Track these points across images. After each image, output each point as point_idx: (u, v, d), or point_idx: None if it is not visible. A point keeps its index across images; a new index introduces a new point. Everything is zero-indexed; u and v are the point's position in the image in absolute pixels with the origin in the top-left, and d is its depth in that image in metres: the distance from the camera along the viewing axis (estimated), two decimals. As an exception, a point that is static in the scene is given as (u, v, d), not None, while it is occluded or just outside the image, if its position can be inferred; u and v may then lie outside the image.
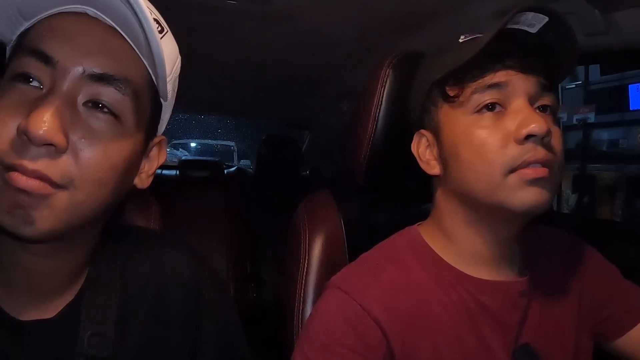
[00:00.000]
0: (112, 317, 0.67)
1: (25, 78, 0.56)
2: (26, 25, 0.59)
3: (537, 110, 0.72)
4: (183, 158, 2.97)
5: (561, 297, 0.82)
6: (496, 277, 0.77)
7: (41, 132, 0.52)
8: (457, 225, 0.78)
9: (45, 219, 0.55)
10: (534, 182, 0.68)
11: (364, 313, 0.71)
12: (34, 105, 0.54)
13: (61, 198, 0.55)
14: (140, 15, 0.54)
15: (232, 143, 10.83)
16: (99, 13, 0.58)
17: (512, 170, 0.69)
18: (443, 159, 0.77)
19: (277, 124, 3.59)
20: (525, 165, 0.69)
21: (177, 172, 2.74)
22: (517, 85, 0.71)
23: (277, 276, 2.45)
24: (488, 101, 0.71)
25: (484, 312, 0.74)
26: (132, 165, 0.63)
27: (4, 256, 0.62)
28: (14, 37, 0.60)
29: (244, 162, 8.46)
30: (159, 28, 0.62)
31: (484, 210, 0.74)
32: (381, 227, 0.88)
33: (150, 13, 0.55)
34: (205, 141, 11.44)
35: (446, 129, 0.76)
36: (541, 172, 0.68)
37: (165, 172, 2.81)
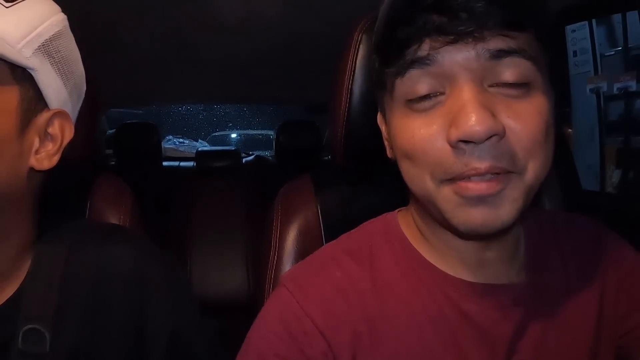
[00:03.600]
0: (51, 315, 0.66)
1: None
2: None
3: (496, 87, 0.52)
4: (200, 149, 2.93)
5: (575, 303, 0.63)
6: (484, 279, 0.61)
7: None
8: (424, 224, 0.64)
9: None
10: (477, 200, 0.51)
11: (307, 319, 0.60)
12: None
13: None
14: None
15: (271, 132, 10.83)
16: None
17: (448, 181, 0.53)
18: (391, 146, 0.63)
19: (306, 107, 3.50)
20: (463, 177, 0.52)
21: (195, 164, 2.70)
22: (450, 60, 0.51)
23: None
24: (417, 86, 0.53)
25: (466, 322, 0.60)
26: (1, 145, 0.59)
27: None
28: None
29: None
30: None
31: (436, 218, 0.59)
32: (363, 216, 0.76)
33: None
34: (246, 131, 11.50)
35: (387, 116, 0.61)
36: (486, 187, 0.51)
37: (183, 164, 2.79)
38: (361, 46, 0.84)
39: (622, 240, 0.70)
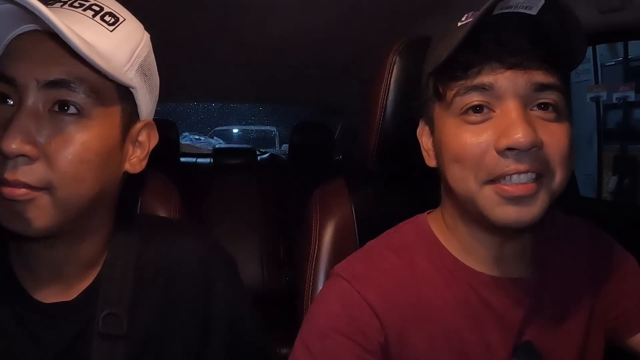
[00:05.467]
0: (127, 300, 0.73)
1: (2, 99, 0.63)
2: None
3: (535, 110, 0.65)
4: (217, 146, 3.03)
5: (573, 294, 0.78)
6: (501, 273, 0.74)
7: (13, 147, 0.58)
8: (456, 222, 0.76)
9: (37, 219, 0.62)
10: (514, 200, 0.64)
11: (363, 302, 0.72)
12: (8, 123, 0.60)
13: (44, 199, 0.62)
14: (55, 29, 0.57)
15: (273, 128, 10.87)
16: (46, 29, 0.62)
17: (489, 182, 0.66)
18: (436, 153, 0.75)
19: (316, 108, 3.60)
20: (504, 177, 0.64)
21: (212, 160, 2.80)
22: (505, 87, 0.64)
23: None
24: (473, 103, 0.66)
25: (486, 308, 0.73)
26: (110, 155, 0.67)
27: (26, 251, 0.70)
28: None
29: (285, 147, 8.49)
30: (112, 21, 0.67)
31: (471, 215, 0.72)
32: (393, 215, 0.88)
33: (84, 11, 0.64)
34: (247, 127, 11.50)
35: (437, 126, 0.73)
36: (523, 189, 0.64)
37: (200, 160, 2.88)
38: (395, 67, 0.95)
39: (611, 239, 0.85)
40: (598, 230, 0.86)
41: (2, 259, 0.72)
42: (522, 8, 0.64)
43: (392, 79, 0.95)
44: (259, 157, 2.93)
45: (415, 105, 0.80)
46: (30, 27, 0.63)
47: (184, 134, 5.48)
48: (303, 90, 2.72)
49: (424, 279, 0.75)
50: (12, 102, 0.62)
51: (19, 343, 0.68)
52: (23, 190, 0.60)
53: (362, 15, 1.62)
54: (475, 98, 0.66)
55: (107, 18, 0.67)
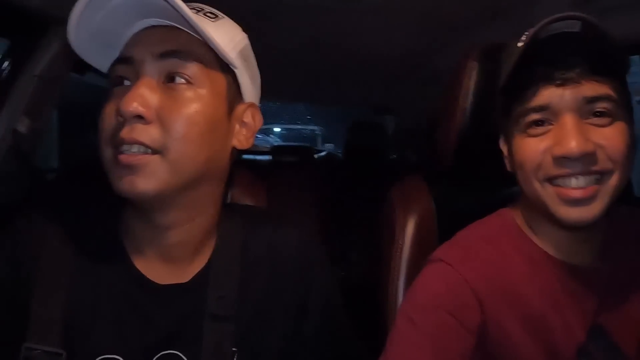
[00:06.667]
0: (235, 283, 0.79)
1: (119, 81, 0.71)
2: (116, 53, 0.73)
3: (591, 118, 0.72)
4: (275, 144, 3.13)
5: (636, 282, 0.84)
6: (578, 262, 0.81)
7: (130, 108, 0.65)
8: (533, 217, 0.83)
9: (151, 182, 0.67)
10: (575, 202, 0.72)
11: (464, 282, 0.78)
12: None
13: (157, 162, 0.67)
14: (180, 11, 0.66)
15: (316, 127, 10.94)
16: (159, 20, 0.71)
17: (549, 180, 0.74)
18: (509, 160, 0.83)
19: (361, 107, 3.67)
20: (562, 178, 0.73)
21: (270, 157, 2.89)
22: (559, 104, 0.72)
23: (365, 257, 2.54)
24: (533, 119, 0.75)
25: (568, 294, 0.79)
26: (217, 124, 0.73)
27: (142, 235, 0.76)
28: (109, 65, 0.74)
29: (328, 146, 8.54)
30: (212, 17, 0.76)
31: (542, 212, 0.78)
32: (471, 209, 0.94)
33: (191, 9, 0.70)
34: (290, 126, 11.58)
35: (508, 137, 0.82)
36: (582, 193, 0.72)
37: (258, 157, 2.97)
38: (473, 72, 1.01)
39: None
40: None
41: (114, 241, 0.77)
42: (566, 28, 0.73)
43: (472, 83, 1.00)
44: (315, 155, 3.00)
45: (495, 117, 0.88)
46: (144, 23, 0.72)
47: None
48: (356, 90, 2.77)
49: (513, 267, 0.81)
50: (129, 83, 0.70)
51: (130, 321, 0.72)
52: (138, 157, 0.66)
53: (418, 16, 1.65)
54: (534, 117, 0.75)
55: (208, 14, 0.76)
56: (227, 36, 0.76)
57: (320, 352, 0.86)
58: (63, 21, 0.70)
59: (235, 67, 0.77)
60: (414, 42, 1.95)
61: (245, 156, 2.96)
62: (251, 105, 0.81)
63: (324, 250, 0.91)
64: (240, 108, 0.79)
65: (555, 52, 0.73)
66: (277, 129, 10.96)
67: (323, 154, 3.09)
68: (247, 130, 0.80)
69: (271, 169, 2.78)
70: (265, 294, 0.81)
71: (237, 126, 0.79)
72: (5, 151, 1.39)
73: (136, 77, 0.69)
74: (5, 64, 1.40)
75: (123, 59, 0.71)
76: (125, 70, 0.71)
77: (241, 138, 0.79)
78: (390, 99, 2.88)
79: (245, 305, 0.78)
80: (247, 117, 0.80)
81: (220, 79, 0.74)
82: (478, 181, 1.09)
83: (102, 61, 0.75)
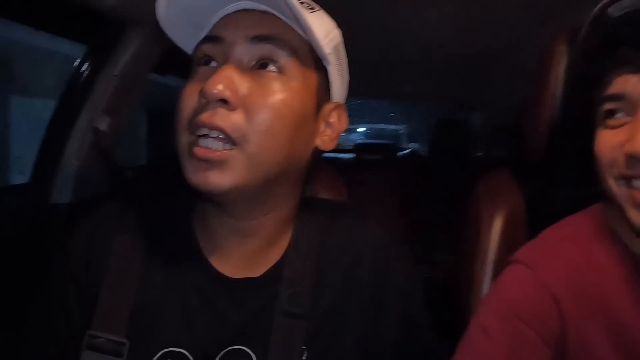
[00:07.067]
0: (310, 280, 0.75)
1: (205, 61, 0.68)
2: (202, 34, 0.71)
3: None
4: (358, 142, 3.11)
5: None
6: None
7: (215, 90, 0.61)
8: (614, 215, 0.76)
9: (228, 177, 0.64)
10: None
11: (545, 290, 0.73)
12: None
13: (236, 157, 0.64)
14: None
15: (400, 126, 10.81)
16: (253, 3, 0.68)
17: (623, 178, 0.67)
18: None
19: (444, 106, 3.58)
20: (636, 179, 0.65)
21: (354, 155, 2.88)
22: (636, 94, 0.65)
23: (450, 257, 2.47)
24: (607, 109, 0.68)
25: None
26: (303, 121, 0.69)
27: (215, 227, 0.74)
28: (194, 46, 0.72)
29: (412, 145, 8.42)
30: (310, 7, 0.72)
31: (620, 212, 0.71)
32: (566, 207, 0.87)
33: None
34: (374, 125, 11.51)
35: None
36: None
37: (341, 155, 2.98)
38: (563, 57, 0.95)
39: None
40: None
41: (187, 233, 0.75)
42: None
43: (560, 69, 0.94)
44: (399, 153, 2.97)
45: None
46: (236, 5, 0.69)
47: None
48: (440, 85, 2.71)
49: (601, 270, 0.74)
50: (216, 64, 0.67)
51: (201, 315, 0.71)
52: (217, 153, 0.63)
53: (501, 4, 1.59)
54: (609, 106, 0.68)
55: (305, 5, 0.72)
56: (323, 29, 0.72)
57: (397, 354, 0.82)
58: (139, 21, 0.71)
59: (329, 63, 0.74)
60: (498, 33, 1.87)
61: (327, 154, 2.96)
62: (339, 105, 0.78)
63: (404, 248, 0.87)
64: (327, 107, 0.75)
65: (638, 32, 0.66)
66: (360, 129, 10.92)
67: (407, 151, 3.03)
68: (332, 131, 0.76)
69: (353, 167, 2.78)
70: (341, 291, 0.79)
71: (322, 126, 0.75)
72: (87, 148, 1.46)
73: (224, 59, 0.66)
74: (85, 65, 1.46)
75: (212, 38, 0.68)
76: (214, 50, 0.68)
77: (325, 139, 0.76)
78: (476, 95, 2.78)
79: (319, 302, 0.75)
80: (334, 118, 0.76)
81: (312, 74, 0.71)
82: (573, 175, 1.01)
83: (187, 41, 0.73)
